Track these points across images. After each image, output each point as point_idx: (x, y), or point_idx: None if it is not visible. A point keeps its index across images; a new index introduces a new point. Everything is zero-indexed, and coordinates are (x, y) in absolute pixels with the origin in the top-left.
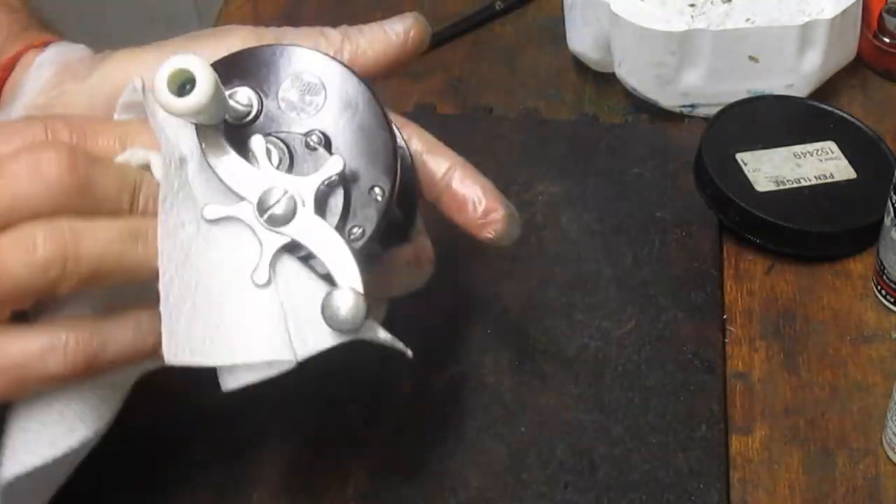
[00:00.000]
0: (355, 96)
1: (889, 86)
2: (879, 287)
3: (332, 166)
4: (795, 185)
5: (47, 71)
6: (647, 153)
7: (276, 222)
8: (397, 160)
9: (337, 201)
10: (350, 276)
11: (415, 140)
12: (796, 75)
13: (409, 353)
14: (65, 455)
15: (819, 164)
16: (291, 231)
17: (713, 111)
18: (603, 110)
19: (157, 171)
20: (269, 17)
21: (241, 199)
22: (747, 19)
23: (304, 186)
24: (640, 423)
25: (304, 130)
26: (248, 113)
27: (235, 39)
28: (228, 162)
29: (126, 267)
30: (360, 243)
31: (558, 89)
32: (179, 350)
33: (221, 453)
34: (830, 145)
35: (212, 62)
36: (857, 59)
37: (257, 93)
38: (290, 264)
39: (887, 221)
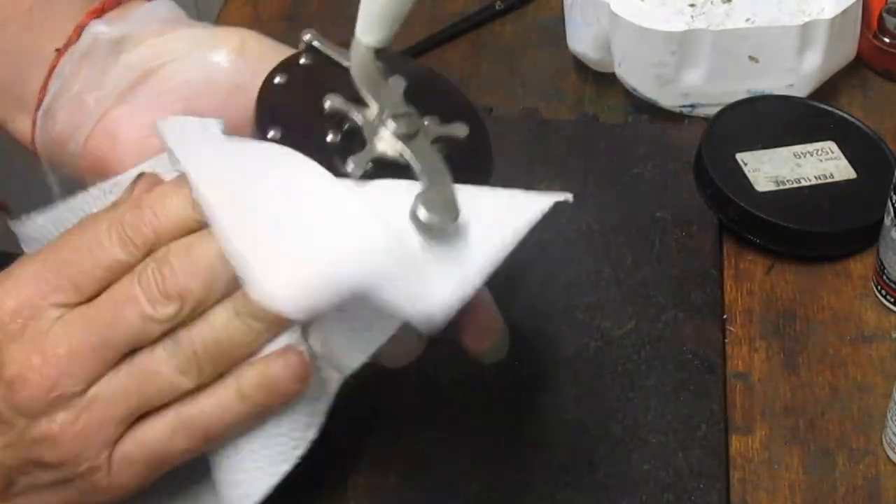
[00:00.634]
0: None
1: (889, 86)
2: (879, 287)
3: (457, 128)
4: (795, 185)
5: (162, 12)
6: (647, 153)
7: (397, 131)
8: (490, 173)
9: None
10: (448, 187)
11: None
12: (796, 75)
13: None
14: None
15: (819, 164)
16: (405, 146)
17: (713, 111)
18: (603, 110)
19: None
20: (270, 17)
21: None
22: (747, 19)
23: (430, 126)
24: (640, 423)
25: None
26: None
27: None
28: (371, 79)
29: (244, 340)
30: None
31: (558, 89)
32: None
33: None
34: (830, 145)
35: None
36: (857, 59)
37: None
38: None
39: (887, 221)
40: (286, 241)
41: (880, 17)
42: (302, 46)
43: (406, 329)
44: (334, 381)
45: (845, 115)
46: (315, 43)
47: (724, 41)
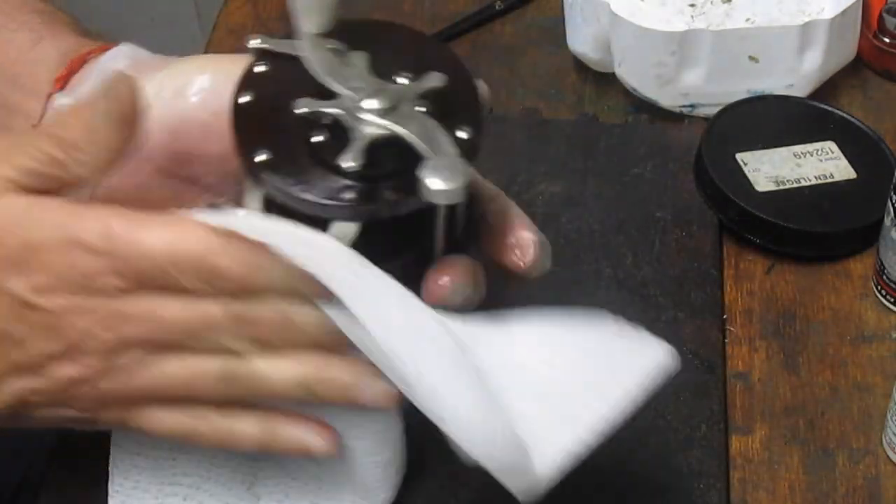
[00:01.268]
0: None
1: (889, 86)
2: (879, 287)
3: (433, 79)
4: (795, 185)
5: (121, 63)
6: (647, 153)
7: (375, 108)
8: (482, 112)
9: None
10: (449, 151)
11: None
12: (796, 75)
13: None
14: None
15: (819, 164)
16: (389, 122)
17: (713, 111)
18: (603, 110)
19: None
20: (270, 17)
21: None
22: (747, 19)
23: (405, 89)
24: (640, 423)
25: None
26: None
27: None
28: (329, 65)
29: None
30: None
31: (558, 89)
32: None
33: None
34: (830, 145)
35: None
36: (857, 59)
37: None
38: None
39: (887, 221)
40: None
41: (880, 17)
42: (252, 54)
43: None
44: None
45: (845, 115)
46: (265, 45)
47: (724, 41)
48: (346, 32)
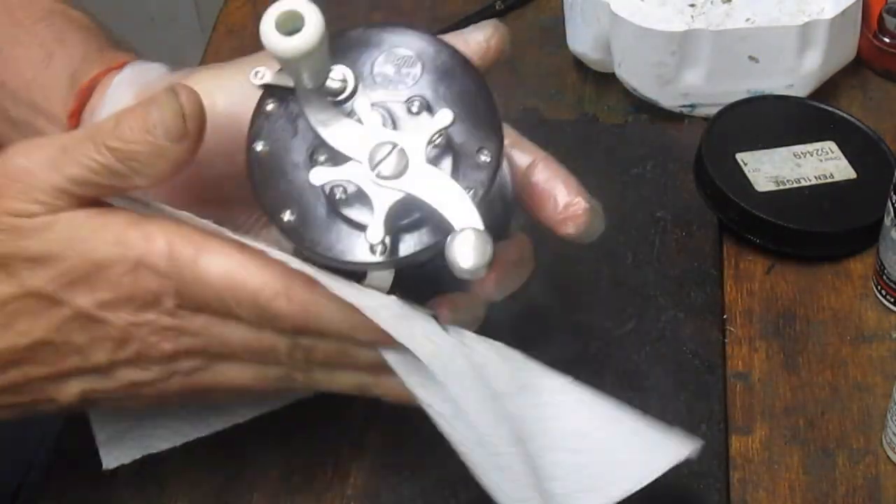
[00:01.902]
0: (451, 64)
1: (889, 86)
2: (879, 287)
3: (441, 119)
4: (795, 185)
5: (126, 92)
6: (647, 153)
7: (388, 175)
8: (500, 121)
9: (445, 165)
10: (470, 219)
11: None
12: (796, 75)
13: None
14: None
15: (819, 164)
16: (405, 184)
17: (713, 111)
18: (603, 110)
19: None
20: None
21: (350, 159)
22: (747, 19)
23: (414, 141)
24: None
25: (404, 99)
26: (344, 89)
27: None
28: (334, 124)
29: None
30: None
31: (558, 89)
32: None
33: (221, 453)
34: (830, 145)
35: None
36: (857, 59)
37: (352, 70)
38: None
39: (887, 221)
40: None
41: (880, 17)
42: (258, 89)
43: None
44: None
45: (845, 115)
46: (271, 82)
47: (724, 41)
48: (349, 46)
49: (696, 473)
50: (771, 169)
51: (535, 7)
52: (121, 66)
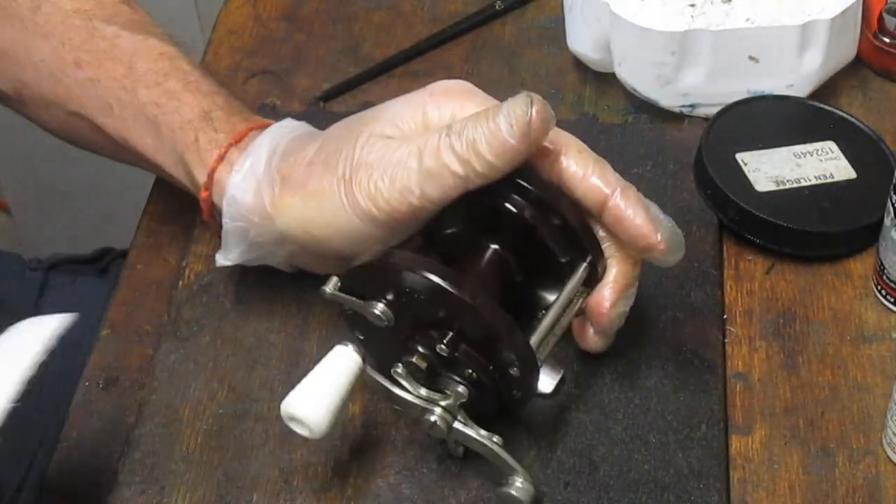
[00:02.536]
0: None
1: (889, 86)
2: (879, 287)
3: (456, 396)
4: (795, 185)
5: (286, 137)
6: (647, 153)
7: (438, 435)
8: (522, 343)
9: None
10: (512, 469)
11: (576, 162)
12: (796, 75)
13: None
14: None
15: (819, 164)
16: (450, 439)
17: (713, 111)
18: (603, 110)
19: None
20: (269, 16)
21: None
22: (747, 19)
23: (449, 402)
24: (640, 423)
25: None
26: (388, 323)
27: (469, 101)
28: (391, 387)
29: None
30: (522, 406)
31: (558, 89)
32: None
33: (221, 453)
34: (830, 145)
35: (346, 272)
36: (857, 59)
37: (387, 301)
38: None
39: (887, 221)
40: None
41: (880, 17)
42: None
43: None
44: None
45: (845, 115)
46: (338, 294)
47: (724, 41)
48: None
49: (696, 473)
50: (771, 169)
51: (535, 7)
52: (261, 127)
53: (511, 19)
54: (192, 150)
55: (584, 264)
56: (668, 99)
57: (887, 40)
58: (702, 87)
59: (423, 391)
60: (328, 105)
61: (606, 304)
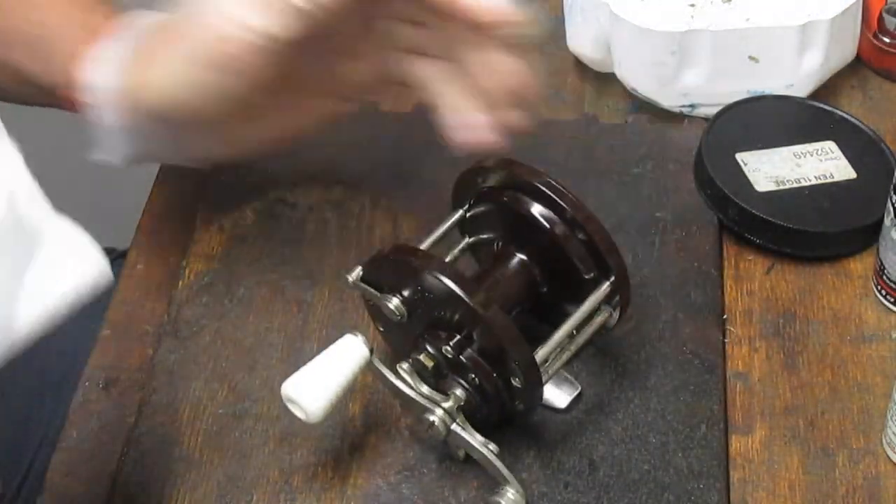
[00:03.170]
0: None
1: (889, 86)
2: (879, 287)
3: (455, 399)
4: (795, 185)
5: (145, 21)
6: (647, 153)
7: (436, 436)
8: (526, 355)
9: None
10: (504, 479)
11: None
12: (796, 75)
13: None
14: None
15: (819, 164)
16: (449, 442)
17: (713, 111)
18: (603, 110)
19: None
20: None
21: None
22: (747, 19)
23: (449, 405)
24: (640, 423)
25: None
26: (401, 318)
27: None
28: (395, 381)
29: None
30: (525, 417)
31: (558, 89)
32: None
33: (221, 453)
34: (830, 145)
35: (368, 261)
36: (857, 59)
37: (402, 298)
38: None
39: (887, 221)
40: None
41: (880, 17)
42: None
43: None
44: None
45: (845, 115)
46: (359, 283)
47: (724, 41)
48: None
49: (696, 473)
50: (771, 169)
51: (535, 7)
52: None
53: None
54: (58, 51)
55: (608, 283)
56: (668, 99)
57: (887, 40)
58: (702, 87)
59: (426, 389)
60: None
61: None
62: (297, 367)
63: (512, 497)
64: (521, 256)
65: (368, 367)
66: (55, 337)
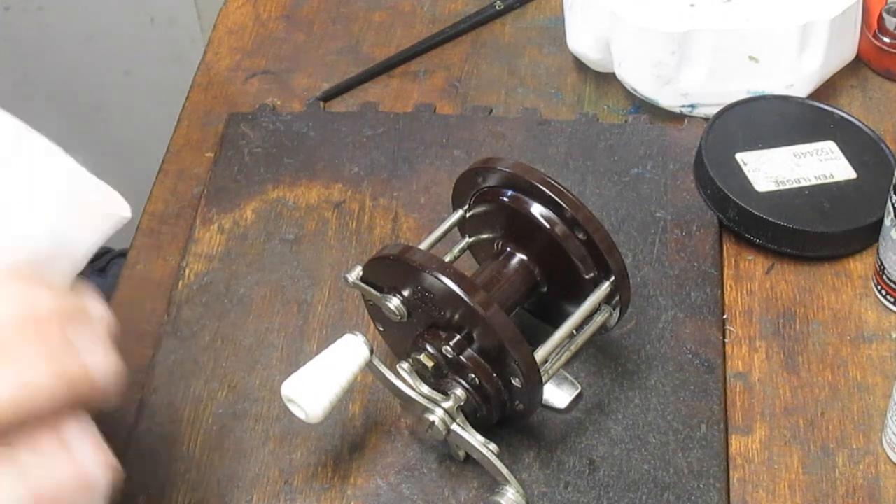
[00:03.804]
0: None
1: (889, 86)
2: (879, 287)
3: (455, 399)
4: (795, 185)
5: None
6: (647, 153)
7: (436, 436)
8: (526, 356)
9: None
10: (504, 479)
11: None
12: (796, 75)
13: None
14: None
15: (819, 164)
16: (449, 441)
17: (713, 111)
18: (603, 110)
19: None
20: (269, 16)
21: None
22: (747, 19)
23: (450, 405)
24: (640, 423)
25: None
26: (401, 318)
27: None
28: (395, 381)
29: None
30: (525, 418)
31: (558, 89)
32: None
33: (221, 453)
34: (830, 145)
35: (370, 261)
36: (857, 59)
37: (402, 298)
38: None
39: (887, 221)
40: None
41: (880, 17)
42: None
43: None
44: None
45: (845, 115)
46: (359, 283)
47: (723, 41)
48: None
49: (696, 473)
50: (771, 169)
51: (535, 7)
52: None
53: (511, 19)
54: None
55: (608, 283)
56: (668, 99)
57: (887, 40)
58: (702, 87)
59: (426, 389)
60: (328, 105)
61: None
62: (297, 367)
63: (512, 497)
64: (521, 256)
65: (368, 367)
66: None
